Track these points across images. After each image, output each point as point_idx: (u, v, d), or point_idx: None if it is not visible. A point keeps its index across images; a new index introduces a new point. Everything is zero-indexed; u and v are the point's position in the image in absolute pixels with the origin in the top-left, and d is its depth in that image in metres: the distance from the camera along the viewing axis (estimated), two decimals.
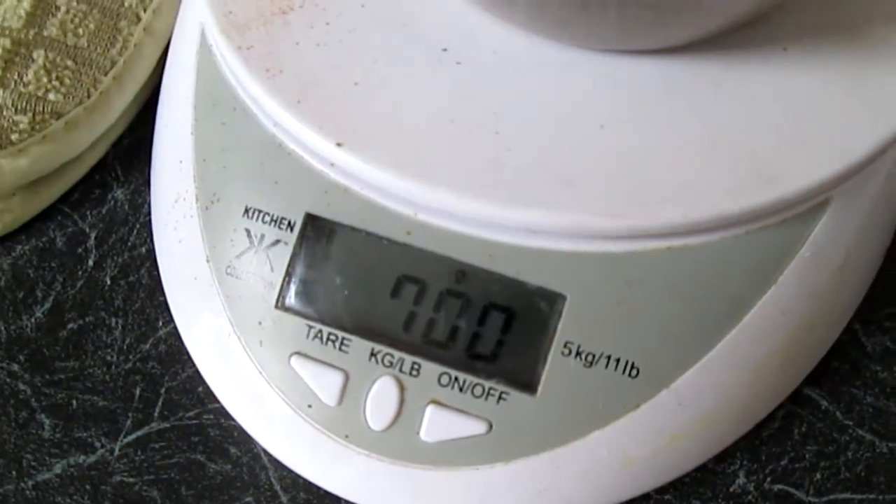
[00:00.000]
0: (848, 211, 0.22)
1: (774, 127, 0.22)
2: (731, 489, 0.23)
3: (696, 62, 0.22)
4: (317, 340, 0.22)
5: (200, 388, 0.24)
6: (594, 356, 0.21)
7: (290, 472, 0.22)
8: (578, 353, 0.21)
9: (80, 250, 0.26)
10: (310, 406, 0.22)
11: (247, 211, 0.23)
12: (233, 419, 0.23)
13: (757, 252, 0.21)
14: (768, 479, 0.23)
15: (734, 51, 0.23)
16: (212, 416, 0.24)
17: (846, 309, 0.24)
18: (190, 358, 0.24)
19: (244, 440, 0.23)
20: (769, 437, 0.23)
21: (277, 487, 0.23)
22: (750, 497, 0.23)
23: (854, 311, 0.25)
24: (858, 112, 0.22)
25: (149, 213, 0.26)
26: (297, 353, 0.22)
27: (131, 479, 0.23)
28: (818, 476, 0.23)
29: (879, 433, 0.23)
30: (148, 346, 0.25)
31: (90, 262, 0.26)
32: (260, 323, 0.22)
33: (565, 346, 0.21)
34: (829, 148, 0.21)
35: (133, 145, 0.28)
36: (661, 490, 0.22)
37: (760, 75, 0.22)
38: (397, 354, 0.21)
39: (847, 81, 0.22)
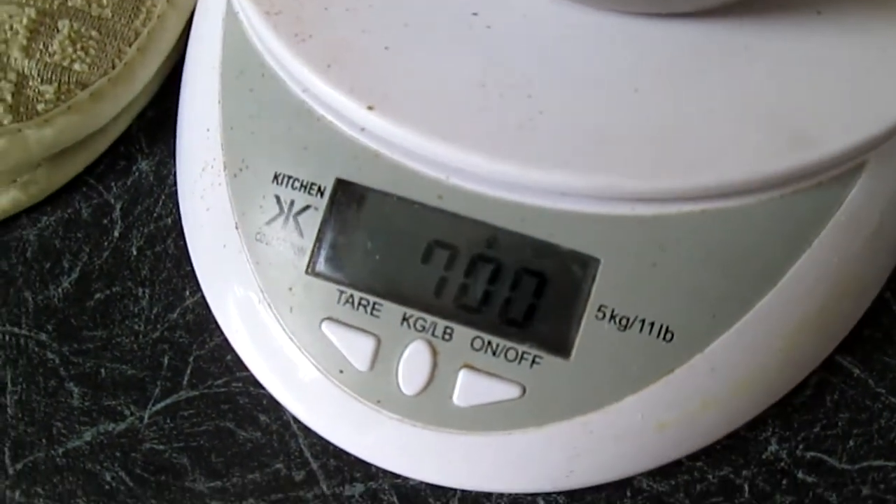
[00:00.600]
0: (883, 175, 0.22)
1: (809, 90, 0.21)
2: (764, 456, 0.23)
3: (729, 26, 0.22)
4: (348, 305, 0.21)
5: (229, 357, 0.24)
6: (628, 320, 0.21)
7: (320, 438, 0.22)
8: (612, 317, 0.21)
9: (105, 221, 0.26)
10: (341, 371, 0.21)
11: (276, 177, 0.22)
12: (262, 387, 0.23)
13: (792, 216, 0.21)
14: (801, 446, 0.23)
15: (767, 14, 0.22)
16: (241, 385, 0.24)
17: (879, 276, 0.24)
18: (217, 327, 0.24)
19: (273, 408, 0.23)
20: (801, 405, 0.23)
21: (307, 454, 0.23)
22: (783, 464, 0.22)
23: (886, 279, 0.24)
24: (893, 75, 0.22)
25: (174, 185, 0.26)
26: (329, 318, 0.22)
27: (161, 447, 0.23)
28: (851, 443, 0.23)
29: None
30: (175, 315, 0.25)
31: (116, 233, 0.26)
32: (290, 289, 0.22)
33: (599, 309, 0.21)
34: (863, 110, 0.21)
35: (157, 117, 0.28)
36: (692, 457, 0.22)
37: (794, 39, 0.22)
38: (430, 319, 0.21)
39: (881, 44, 0.22)
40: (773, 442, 0.23)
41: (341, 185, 0.22)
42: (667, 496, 0.22)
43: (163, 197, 0.27)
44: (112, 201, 0.27)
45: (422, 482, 0.22)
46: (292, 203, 0.22)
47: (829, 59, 0.22)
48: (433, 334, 0.21)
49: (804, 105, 0.21)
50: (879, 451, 0.23)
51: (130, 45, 0.27)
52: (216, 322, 0.24)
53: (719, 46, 0.22)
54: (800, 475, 0.22)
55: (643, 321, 0.20)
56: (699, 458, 0.22)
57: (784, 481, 0.22)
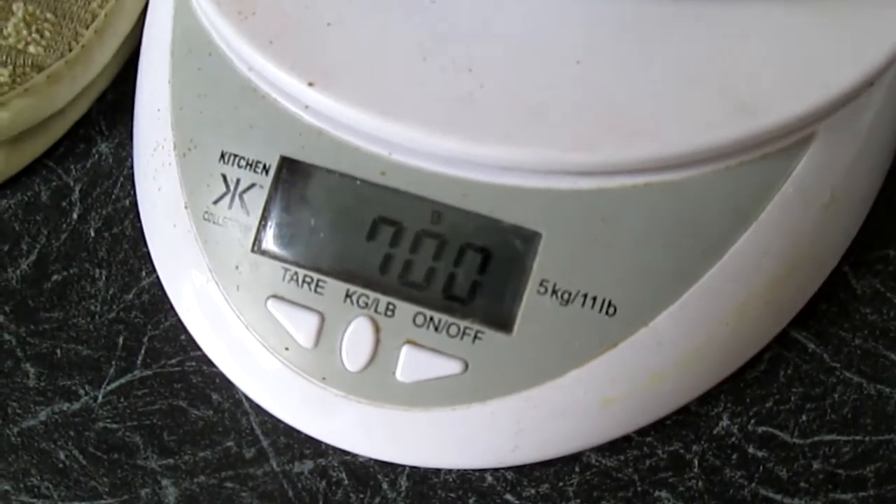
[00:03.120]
0: (835, 147, 0.22)
1: (756, 59, 0.21)
2: (715, 431, 0.22)
3: None
4: (293, 283, 0.21)
5: (183, 337, 0.24)
6: (570, 294, 0.20)
7: (271, 416, 0.22)
8: (554, 292, 0.20)
9: (64, 203, 0.26)
10: (287, 349, 0.22)
11: (223, 156, 0.22)
12: (214, 366, 0.23)
13: (737, 188, 0.21)
14: (752, 420, 0.22)
15: None
16: (194, 364, 0.24)
17: (834, 249, 0.24)
18: (172, 307, 0.24)
19: (226, 386, 0.23)
20: (754, 380, 0.23)
21: (258, 432, 0.23)
22: (733, 439, 0.22)
23: (843, 252, 0.24)
24: (843, 44, 0.21)
25: (132, 166, 0.26)
26: (274, 296, 0.22)
27: (114, 426, 0.23)
28: (804, 418, 0.22)
29: (867, 375, 0.23)
30: (131, 295, 0.25)
31: (74, 215, 0.26)
32: (237, 267, 0.22)
33: (541, 284, 0.20)
34: (812, 80, 0.21)
35: (117, 99, 0.28)
36: (642, 432, 0.22)
37: (743, 7, 0.22)
38: (372, 295, 0.21)
39: (832, 13, 0.22)
40: (725, 417, 0.23)
41: (286, 163, 0.22)
42: (616, 471, 0.22)
43: (121, 179, 0.27)
44: (71, 184, 0.27)
45: (370, 458, 0.22)
46: (238, 182, 0.22)
47: (778, 27, 0.21)
48: (376, 311, 0.21)
49: (750, 75, 0.21)
50: (832, 425, 0.22)
51: (88, 28, 0.27)
52: (170, 302, 0.24)
53: (665, 16, 0.22)
54: (750, 450, 0.22)
55: (585, 295, 0.20)
56: (649, 434, 0.22)
57: (734, 456, 0.22)
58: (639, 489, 0.22)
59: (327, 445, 0.22)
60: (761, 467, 0.22)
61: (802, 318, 0.23)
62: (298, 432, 0.22)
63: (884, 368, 0.23)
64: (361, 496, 0.22)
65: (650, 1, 0.22)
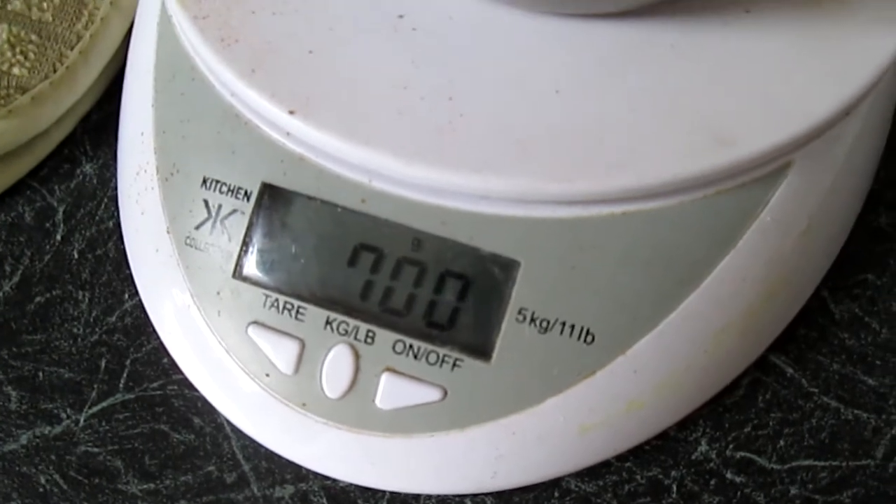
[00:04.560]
0: (811, 175, 0.22)
1: (733, 89, 0.21)
2: (693, 456, 0.23)
3: (655, 25, 0.22)
4: (273, 309, 0.22)
5: (165, 360, 0.24)
6: (549, 322, 0.21)
7: (252, 441, 0.23)
8: (533, 320, 0.21)
9: (48, 225, 0.26)
10: (267, 375, 0.22)
11: (205, 181, 0.23)
12: (196, 390, 0.23)
13: (714, 217, 0.21)
14: (731, 446, 0.23)
15: (695, 13, 0.22)
16: (176, 387, 0.24)
17: (812, 275, 0.24)
18: (154, 330, 0.24)
19: (207, 410, 0.23)
20: (733, 405, 0.23)
21: (240, 456, 0.23)
22: (712, 465, 0.22)
23: (821, 278, 0.24)
24: (820, 75, 0.21)
25: (116, 187, 0.26)
26: (255, 322, 0.22)
27: (96, 450, 0.23)
28: (781, 443, 0.23)
29: (845, 400, 0.23)
30: (114, 318, 0.25)
31: (58, 237, 0.26)
32: (218, 293, 0.22)
33: (520, 312, 0.21)
34: (788, 110, 0.21)
35: (102, 120, 0.28)
36: (621, 457, 0.22)
37: (720, 38, 0.22)
38: (352, 322, 0.21)
39: (809, 44, 0.22)
40: (704, 442, 0.23)
41: (267, 190, 0.22)
42: (595, 497, 0.22)
43: (105, 200, 0.27)
44: (55, 205, 0.27)
45: (351, 484, 0.22)
46: (220, 207, 0.22)
47: (755, 58, 0.22)
48: (356, 338, 0.21)
49: (727, 105, 0.21)
50: (810, 450, 0.23)
51: (72, 49, 0.27)
52: (153, 325, 0.24)
53: (644, 46, 0.22)
54: (728, 475, 0.22)
55: (563, 323, 0.21)
56: (627, 459, 0.22)
57: (713, 481, 0.22)
58: None
59: (308, 470, 0.22)
60: (739, 493, 0.22)
61: (781, 343, 0.24)
62: (279, 457, 0.22)
63: (861, 393, 0.23)
64: None
65: (628, 32, 0.22)
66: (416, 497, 0.22)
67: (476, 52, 0.22)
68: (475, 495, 0.22)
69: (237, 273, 0.22)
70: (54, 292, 0.25)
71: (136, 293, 0.24)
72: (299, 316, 0.21)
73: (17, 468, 0.23)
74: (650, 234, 0.21)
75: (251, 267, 0.22)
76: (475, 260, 0.21)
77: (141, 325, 0.25)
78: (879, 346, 0.24)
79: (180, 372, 0.23)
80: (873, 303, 0.25)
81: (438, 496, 0.22)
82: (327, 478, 0.22)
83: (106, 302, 0.25)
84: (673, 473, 0.22)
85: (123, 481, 0.23)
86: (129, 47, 0.26)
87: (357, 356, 0.21)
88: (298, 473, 0.23)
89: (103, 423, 0.24)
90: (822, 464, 0.22)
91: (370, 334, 0.21)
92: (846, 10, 0.22)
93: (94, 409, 0.24)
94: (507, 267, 0.21)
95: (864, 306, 0.24)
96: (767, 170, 0.21)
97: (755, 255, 0.21)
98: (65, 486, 0.23)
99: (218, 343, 0.22)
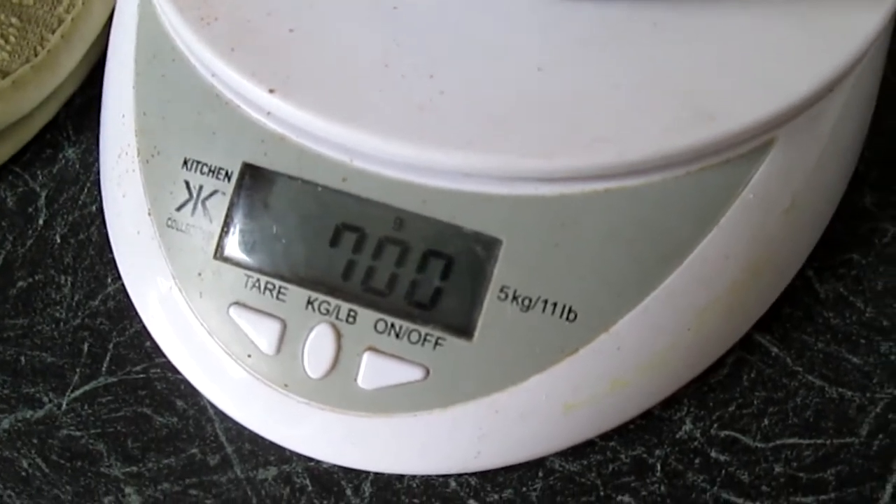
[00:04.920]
0: (795, 152, 0.22)
1: (716, 66, 0.21)
2: (678, 435, 0.23)
3: (637, 3, 0.22)
4: (255, 290, 0.21)
5: (148, 343, 0.24)
6: (531, 300, 0.20)
7: (235, 423, 0.22)
8: (515, 298, 0.20)
9: (30, 209, 0.26)
10: (249, 356, 0.21)
11: (186, 162, 0.22)
12: (179, 373, 0.23)
13: (697, 193, 0.21)
14: (715, 424, 0.23)
15: None
16: (158, 371, 0.24)
17: (796, 254, 0.24)
18: (137, 313, 0.24)
19: (190, 393, 0.23)
20: (717, 384, 0.23)
21: (223, 439, 0.23)
22: (696, 443, 0.22)
23: (806, 257, 0.24)
24: (803, 51, 0.21)
25: (99, 171, 0.26)
26: (236, 302, 0.22)
27: (78, 433, 0.23)
28: (766, 422, 0.23)
29: (829, 379, 0.23)
30: (97, 302, 0.25)
31: (40, 221, 0.26)
32: (199, 274, 0.22)
33: (501, 290, 0.21)
34: (771, 86, 0.21)
35: (84, 104, 0.28)
36: (605, 436, 0.22)
37: (703, 14, 0.22)
38: (333, 302, 0.21)
39: (792, 19, 0.22)
40: (688, 421, 0.23)
41: (248, 170, 0.22)
42: (579, 476, 0.22)
43: (88, 184, 0.27)
44: (37, 189, 0.27)
45: (334, 465, 0.22)
46: (201, 188, 0.22)
47: (738, 34, 0.22)
48: (337, 317, 0.21)
49: (711, 81, 0.21)
50: (794, 429, 0.23)
51: (53, 32, 0.27)
52: (136, 309, 0.24)
53: (626, 23, 0.22)
54: (713, 454, 0.22)
55: (546, 301, 0.20)
56: (612, 438, 0.22)
57: (697, 460, 0.22)
58: (602, 493, 0.22)
59: (291, 452, 0.22)
60: (723, 471, 0.22)
61: (766, 322, 0.24)
62: (262, 439, 0.22)
63: (846, 372, 0.23)
64: (325, 502, 0.22)
65: (610, 9, 0.22)
66: (400, 477, 0.22)
67: (457, 30, 0.22)
68: (459, 475, 0.22)
69: (218, 254, 0.22)
70: (37, 277, 0.25)
71: (119, 277, 0.24)
72: (280, 296, 0.21)
73: None
74: (633, 211, 0.20)
75: (232, 248, 0.22)
76: (457, 238, 0.21)
77: (124, 309, 0.25)
78: (864, 325, 0.24)
79: (163, 355, 0.23)
80: (858, 282, 0.25)
81: (422, 476, 0.22)
82: (310, 459, 0.22)
83: (88, 286, 0.25)
84: (657, 452, 0.22)
85: (106, 464, 0.23)
86: (111, 29, 0.26)
87: (339, 336, 0.21)
88: (281, 455, 0.23)
89: (86, 407, 0.23)
90: (807, 442, 0.22)
91: (352, 314, 0.21)
92: None
93: (77, 392, 0.24)
94: (489, 245, 0.21)
95: (848, 286, 0.24)
96: (750, 146, 0.21)
97: (738, 232, 0.21)
98: (47, 470, 0.23)
99: (200, 325, 0.22)
